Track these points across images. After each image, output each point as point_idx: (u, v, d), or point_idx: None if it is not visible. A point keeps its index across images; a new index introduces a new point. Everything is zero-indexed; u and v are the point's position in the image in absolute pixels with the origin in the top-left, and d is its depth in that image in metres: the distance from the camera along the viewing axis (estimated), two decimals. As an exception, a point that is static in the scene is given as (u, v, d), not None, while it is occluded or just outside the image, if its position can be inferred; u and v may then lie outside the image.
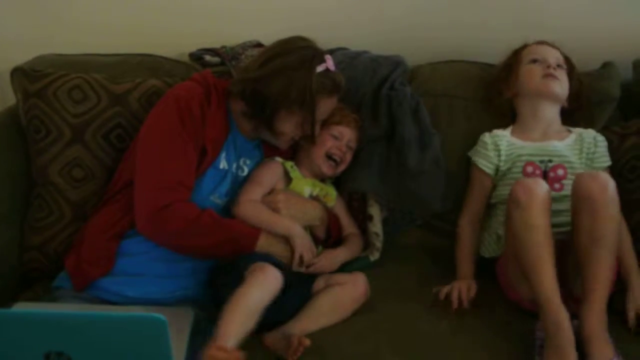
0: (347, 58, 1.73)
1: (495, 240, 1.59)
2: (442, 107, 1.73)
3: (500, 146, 1.62)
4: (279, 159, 1.62)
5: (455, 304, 1.47)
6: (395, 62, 1.72)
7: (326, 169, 1.62)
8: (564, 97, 1.67)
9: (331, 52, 1.73)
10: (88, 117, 1.65)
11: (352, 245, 1.64)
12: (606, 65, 1.77)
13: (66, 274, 1.48)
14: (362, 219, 1.68)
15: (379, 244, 1.65)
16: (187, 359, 1.27)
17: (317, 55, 1.49)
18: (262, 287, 1.34)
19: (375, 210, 1.65)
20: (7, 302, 1.46)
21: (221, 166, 1.52)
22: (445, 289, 1.50)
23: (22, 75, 1.68)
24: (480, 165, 1.64)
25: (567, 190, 1.50)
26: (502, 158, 1.62)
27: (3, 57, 1.86)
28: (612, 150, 1.65)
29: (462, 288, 1.50)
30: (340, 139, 1.63)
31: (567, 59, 1.70)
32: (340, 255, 1.58)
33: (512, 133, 1.66)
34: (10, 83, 1.71)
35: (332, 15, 1.82)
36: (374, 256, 1.65)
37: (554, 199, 1.43)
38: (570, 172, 1.59)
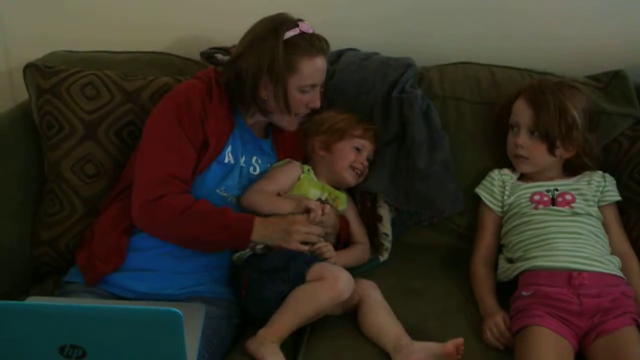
0: (358, 59, 1.72)
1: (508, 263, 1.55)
2: (450, 109, 1.70)
3: (506, 184, 1.60)
4: (297, 162, 1.60)
5: (498, 344, 1.39)
6: (406, 65, 1.69)
7: (351, 178, 1.60)
8: (542, 166, 1.58)
9: (341, 52, 1.75)
10: (101, 114, 1.66)
11: (356, 253, 1.59)
12: (618, 77, 1.65)
13: (77, 269, 1.49)
14: (373, 219, 1.65)
15: (387, 244, 1.64)
16: (199, 355, 1.27)
17: (285, 22, 1.46)
18: (334, 296, 1.33)
19: (384, 211, 1.65)
20: (19, 297, 1.48)
21: (226, 160, 1.50)
22: (486, 335, 1.41)
23: (35, 71, 1.69)
24: (487, 202, 1.61)
25: (579, 209, 1.52)
26: (507, 192, 1.58)
27: (16, 53, 1.91)
28: (623, 152, 1.62)
29: (493, 326, 1.41)
30: (362, 152, 1.62)
31: (564, 121, 1.51)
32: (342, 258, 1.52)
33: (520, 179, 1.62)
34: (23, 79, 1.72)
35: (342, 15, 1.80)
36: (383, 257, 1.63)
37: (568, 214, 1.49)
38: (580, 198, 1.56)
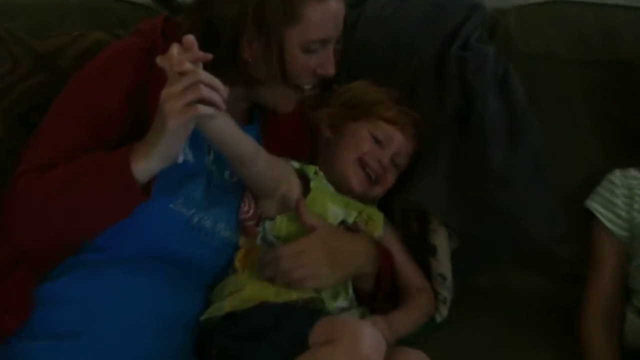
0: (394, 0, 1.51)
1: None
2: (541, 76, 1.49)
3: (635, 192, 1.38)
4: (295, 163, 1.31)
5: None
6: (469, 7, 1.49)
7: (356, 181, 1.31)
8: None
9: None
10: (-3, 89, 1.52)
11: (418, 309, 1.31)
12: None
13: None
14: (423, 252, 1.38)
15: (446, 292, 1.35)
16: None
17: None
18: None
19: (440, 238, 1.37)
20: None
21: (181, 158, 1.25)
22: None
23: None
24: (605, 221, 1.38)
25: None
26: (637, 206, 1.37)
27: None
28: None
29: None
30: (385, 146, 1.35)
31: None
32: (396, 322, 1.25)
33: None
34: None
35: None
36: (441, 314, 1.35)
37: None
38: None
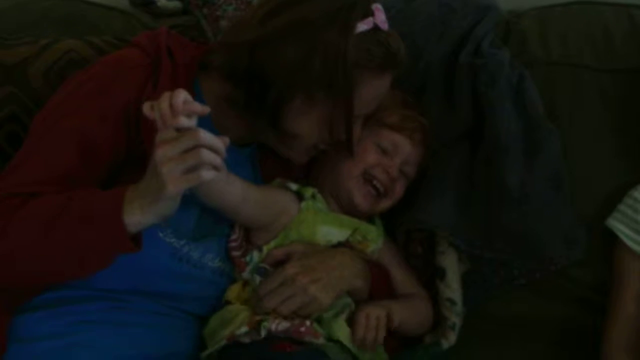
0: (400, 1, 1.49)
1: None
2: (560, 83, 1.47)
3: None
4: (292, 185, 1.30)
5: None
6: (482, 8, 1.48)
7: (360, 197, 1.31)
8: None
9: None
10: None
11: (415, 304, 1.36)
12: None
13: None
14: (428, 276, 1.39)
15: (455, 318, 1.36)
16: None
17: (359, 3, 1.25)
18: None
19: (449, 261, 1.38)
20: None
21: None
22: None
23: None
24: (628, 241, 1.37)
25: None
26: None
27: None
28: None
29: None
30: (392, 155, 1.35)
31: None
32: (396, 308, 1.28)
33: None
34: None
35: None
36: (449, 341, 1.35)
37: None
38: None
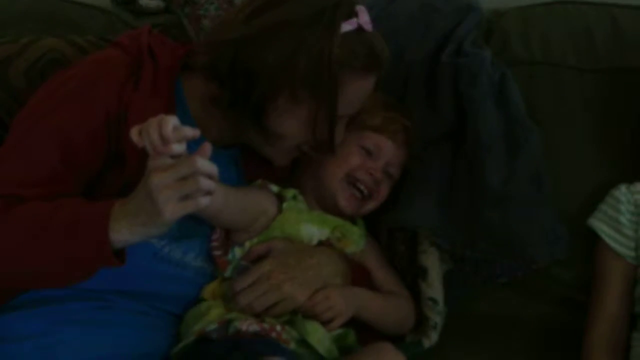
0: (382, 0, 1.49)
1: None
2: (542, 84, 1.48)
3: None
4: (273, 187, 1.32)
5: None
6: (464, 7, 1.49)
7: (345, 201, 1.32)
8: None
9: None
10: None
11: (393, 300, 1.36)
12: None
13: None
14: (412, 275, 1.39)
15: (437, 317, 1.36)
16: None
17: (343, 4, 1.25)
18: None
19: (431, 260, 1.38)
20: None
21: None
22: None
23: None
24: (610, 241, 1.38)
25: None
26: None
27: None
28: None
29: None
30: (375, 157, 1.35)
31: None
32: (372, 301, 1.30)
33: None
34: None
35: None
36: (430, 339, 1.36)
37: None
38: None
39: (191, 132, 1.05)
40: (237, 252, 1.22)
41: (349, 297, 1.26)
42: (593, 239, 1.38)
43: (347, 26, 1.24)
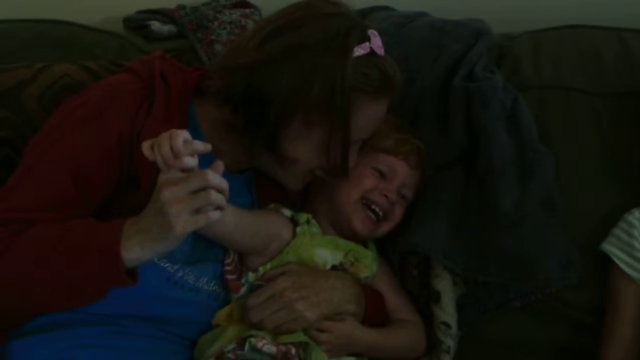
0: (393, 26, 1.50)
1: None
2: (553, 108, 1.48)
3: None
4: (286, 211, 1.32)
5: None
6: (475, 32, 1.49)
7: (360, 223, 1.31)
8: None
9: (366, 11, 1.57)
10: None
11: (407, 331, 1.35)
12: None
13: None
14: (424, 298, 1.40)
15: (450, 341, 1.36)
16: None
17: (356, 28, 1.25)
18: None
19: (444, 284, 1.38)
20: None
21: None
22: None
23: None
24: (623, 265, 1.37)
25: None
26: None
27: None
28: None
29: None
30: (389, 179, 1.35)
31: None
32: (385, 336, 1.29)
33: None
34: None
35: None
36: None
37: None
38: None
39: (202, 146, 1.05)
40: (251, 277, 1.22)
41: (355, 338, 1.26)
42: (606, 263, 1.36)
43: (359, 50, 1.24)
